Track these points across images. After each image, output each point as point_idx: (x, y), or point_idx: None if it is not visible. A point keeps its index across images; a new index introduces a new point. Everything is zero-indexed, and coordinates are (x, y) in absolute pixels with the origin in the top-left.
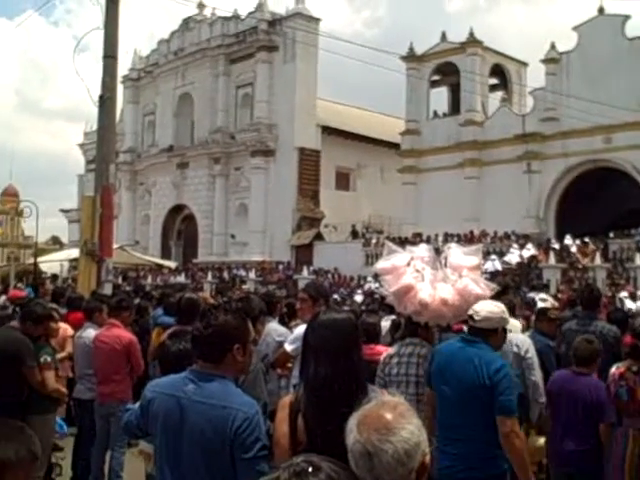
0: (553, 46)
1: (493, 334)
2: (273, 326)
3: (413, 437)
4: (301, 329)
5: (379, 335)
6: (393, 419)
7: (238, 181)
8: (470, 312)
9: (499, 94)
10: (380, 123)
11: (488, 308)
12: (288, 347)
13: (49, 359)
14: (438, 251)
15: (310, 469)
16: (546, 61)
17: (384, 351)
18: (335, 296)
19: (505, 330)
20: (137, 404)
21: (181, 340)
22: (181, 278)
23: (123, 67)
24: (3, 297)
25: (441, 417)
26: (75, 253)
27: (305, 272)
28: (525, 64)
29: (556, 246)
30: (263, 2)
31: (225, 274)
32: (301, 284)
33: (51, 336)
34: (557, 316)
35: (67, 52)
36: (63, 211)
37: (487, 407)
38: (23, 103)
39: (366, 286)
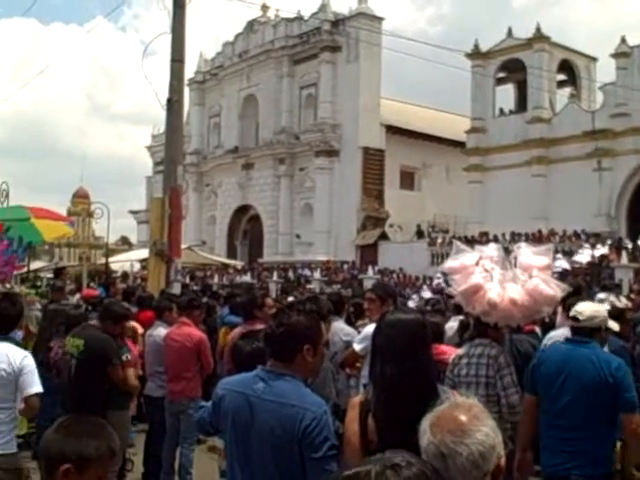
0: (624, 40)
1: (597, 333)
2: (340, 325)
3: (488, 439)
4: (369, 329)
5: (442, 335)
6: (468, 421)
7: (303, 181)
8: (572, 313)
9: (567, 90)
10: (445, 121)
11: (592, 307)
12: (356, 347)
13: (129, 357)
14: (507, 251)
15: (403, 463)
16: (616, 55)
17: (447, 351)
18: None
19: (607, 329)
20: (210, 402)
21: (253, 340)
22: (247, 277)
23: (189, 70)
24: (77, 296)
25: (552, 418)
26: (144, 253)
27: (370, 272)
28: (594, 59)
29: (629, 245)
30: (326, 3)
31: (290, 274)
32: (366, 284)
33: (126, 335)
34: (631, 317)
35: (135, 57)
36: (132, 212)
37: (606, 405)
38: (93, 107)
39: (435, 282)
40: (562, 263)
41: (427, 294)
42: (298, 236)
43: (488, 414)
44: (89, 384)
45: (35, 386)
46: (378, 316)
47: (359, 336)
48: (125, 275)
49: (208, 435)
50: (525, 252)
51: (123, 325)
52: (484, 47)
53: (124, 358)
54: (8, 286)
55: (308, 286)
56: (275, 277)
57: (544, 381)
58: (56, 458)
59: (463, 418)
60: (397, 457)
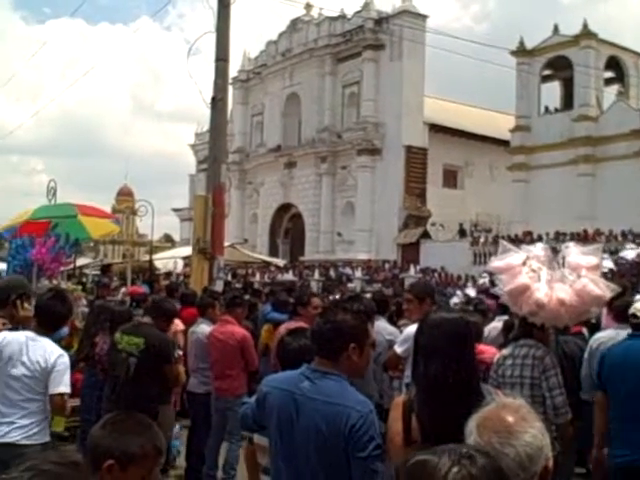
0: None
1: None
2: (382, 325)
3: (536, 441)
4: (410, 330)
5: (481, 335)
6: (515, 422)
7: (345, 180)
8: (632, 311)
9: (615, 88)
10: (489, 119)
11: None
12: (398, 349)
13: (181, 353)
14: (555, 250)
15: (477, 454)
16: None
17: (486, 350)
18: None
19: None
20: (253, 398)
21: (300, 337)
22: (289, 276)
23: (233, 69)
24: (123, 290)
25: (621, 410)
26: (186, 251)
27: (412, 271)
28: None
29: None
30: (370, 1)
31: (331, 272)
32: (407, 283)
33: (167, 331)
34: None
35: (179, 56)
36: (175, 210)
37: None
38: (138, 106)
39: (480, 281)
40: (607, 263)
41: (472, 293)
42: (339, 234)
43: (536, 415)
44: (147, 382)
45: (62, 386)
46: (417, 316)
47: (400, 337)
48: (169, 273)
49: (252, 431)
50: (573, 252)
51: (172, 322)
52: (530, 44)
53: (176, 355)
54: (55, 282)
55: (349, 285)
56: (316, 275)
57: (608, 374)
58: (101, 453)
59: (510, 419)
60: (463, 448)
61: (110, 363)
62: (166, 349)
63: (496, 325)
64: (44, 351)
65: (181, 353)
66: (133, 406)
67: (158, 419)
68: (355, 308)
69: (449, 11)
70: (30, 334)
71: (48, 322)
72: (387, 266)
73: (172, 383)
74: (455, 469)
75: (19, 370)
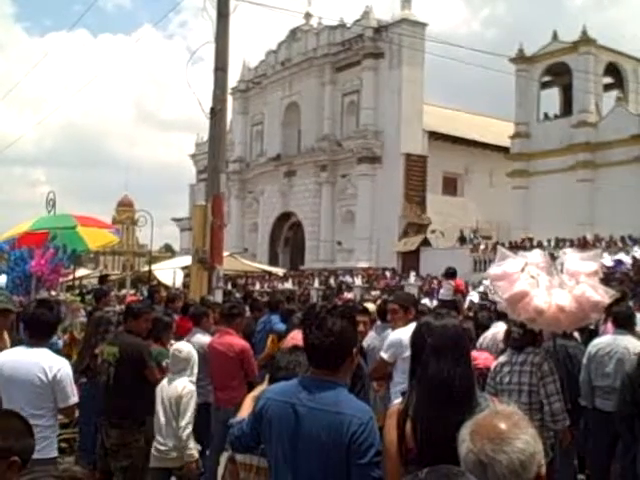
0: None
1: None
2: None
3: (529, 448)
4: (395, 336)
5: (472, 341)
6: (508, 429)
7: (344, 188)
8: None
9: (614, 93)
10: (488, 126)
11: None
12: (384, 355)
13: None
14: (553, 257)
15: (455, 471)
16: None
17: (478, 357)
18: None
19: None
20: (240, 416)
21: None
22: (288, 284)
23: (232, 79)
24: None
25: None
26: (187, 260)
27: (412, 278)
28: None
29: None
30: (369, 10)
31: (331, 280)
32: (408, 291)
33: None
34: None
35: (181, 64)
36: (175, 220)
37: None
38: (140, 116)
39: (480, 287)
40: (623, 256)
41: (475, 298)
42: (339, 243)
43: (529, 422)
44: (129, 390)
45: (72, 397)
46: (402, 324)
47: (385, 343)
48: (166, 287)
49: (246, 452)
50: (572, 258)
51: (146, 321)
52: (529, 51)
53: (164, 364)
54: (54, 293)
55: (347, 294)
56: (316, 284)
57: None
58: None
59: (503, 426)
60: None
61: (97, 373)
62: (139, 355)
63: (492, 332)
64: (42, 364)
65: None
66: (115, 413)
67: (147, 429)
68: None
69: (458, 16)
70: (24, 349)
71: (39, 332)
72: (387, 274)
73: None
74: None
75: (22, 387)
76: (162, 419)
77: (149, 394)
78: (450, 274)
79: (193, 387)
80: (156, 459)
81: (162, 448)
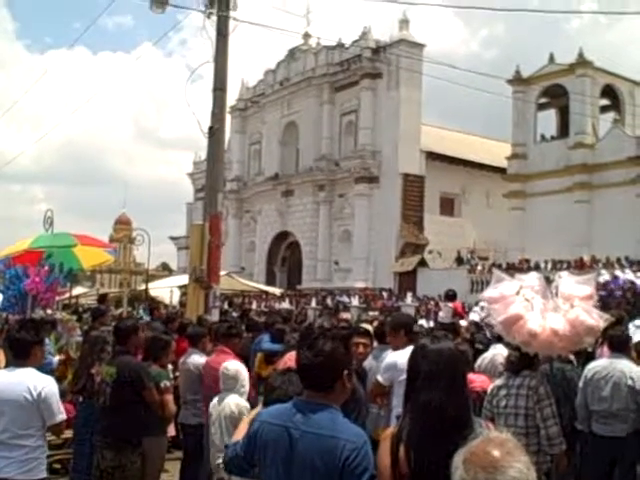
0: None
1: None
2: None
3: (521, 476)
4: (391, 359)
5: (470, 363)
6: (501, 457)
7: (342, 208)
8: None
9: (611, 115)
10: (486, 147)
11: None
12: (380, 377)
13: (168, 384)
14: (548, 280)
15: None
16: None
17: (475, 380)
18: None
19: None
20: (235, 438)
21: (285, 375)
22: (285, 304)
23: (231, 98)
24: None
25: None
26: (183, 279)
27: (409, 299)
28: (639, 83)
29: None
30: (367, 30)
31: (328, 300)
32: (404, 311)
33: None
34: None
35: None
36: (172, 238)
37: None
38: (139, 134)
39: (476, 308)
40: (619, 273)
41: (476, 317)
42: (337, 263)
43: (522, 449)
44: (125, 411)
45: (58, 414)
46: (396, 345)
47: (382, 366)
48: (165, 305)
49: (240, 474)
50: (567, 281)
51: (134, 341)
52: (526, 73)
53: (162, 385)
54: (50, 312)
55: (343, 314)
56: (313, 304)
57: None
58: None
59: (496, 454)
60: None
61: (95, 393)
62: (136, 376)
63: (490, 354)
64: (27, 384)
65: (168, 384)
66: (112, 434)
67: (149, 449)
68: (334, 332)
69: (457, 36)
70: (8, 371)
71: (22, 352)
72: (384, 294)
73: (160, 411)
74: None
75: (8, 408)
76: (217, 437)
77: (146, 415)
78: (450, 296)
79: (246, 403)
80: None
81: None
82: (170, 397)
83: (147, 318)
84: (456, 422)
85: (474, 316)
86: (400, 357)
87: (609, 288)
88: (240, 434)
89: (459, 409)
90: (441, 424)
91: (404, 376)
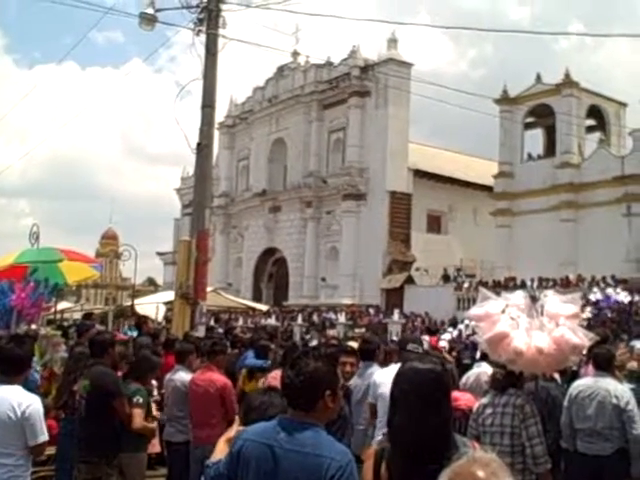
0: None
1: None
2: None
3: None
4: (374, 378)
5: (454, 382)
6: (486, 477)
7: (329, 224)
8: None
9: (596, 135)
10: (473, 166)
11: None
12: (371, 400)
13: (141, 400)
14: (534, 298)
15: None
16: None
17: (460, 398)
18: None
19: None
20: (215, 457)
21: (265, 394)
22: (272, 320)
23: (219, 114)
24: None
25: None
26: (170, 295)
27: (396, 316)
28: (624, 104)
29: None
30: (356, 49)
31: (315, 317)
32: (391, 328)
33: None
34: None
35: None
36: (159, 254)
37: None
38: (127, 149)
39: (461, 326)
40: (611, 292)
41: (447, 338)
42: (323, 279)
43: (507, 470)
44: (99, 424)
45: (41, 435)
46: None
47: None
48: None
49: None
50: (552, 300)
51: (111, 354)
52: (513, 92)
53: (134, 400)
54: (34, 327)
55: (330, 331)
56: (300, 320)
57: None
58: None
59: (481, 474)
60: None
61: (76, 409)
62: (107, 386)
63: (475, 372)
64: (10, 402)
65: (141, 401)
66: (87, 446)
67: (125, 465)
68: (322, 352)
69: (445, 55)
70: None
71: (9, 368)
72: (371, 311)
73: (126, 424)
74: None
75: None
76: None
77: (122, 430)
78: (432, 332)
79: None
80: None
81: None
82: (139, 412)
83: (133, 334)
84: (436, 444)
85: (446, 336)
86: (382, 375)
87: (599, 307)
88: (219, 454)
89: (439, 431)
90: (414, 446)
91: (383, 391)
